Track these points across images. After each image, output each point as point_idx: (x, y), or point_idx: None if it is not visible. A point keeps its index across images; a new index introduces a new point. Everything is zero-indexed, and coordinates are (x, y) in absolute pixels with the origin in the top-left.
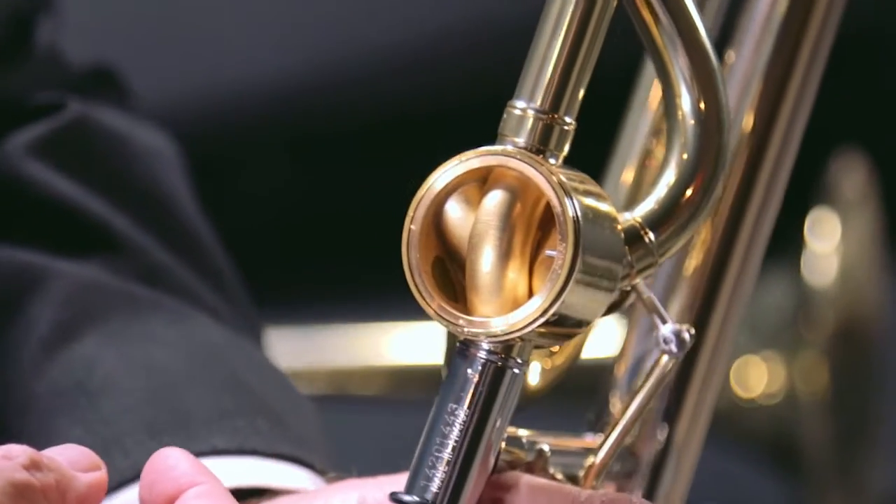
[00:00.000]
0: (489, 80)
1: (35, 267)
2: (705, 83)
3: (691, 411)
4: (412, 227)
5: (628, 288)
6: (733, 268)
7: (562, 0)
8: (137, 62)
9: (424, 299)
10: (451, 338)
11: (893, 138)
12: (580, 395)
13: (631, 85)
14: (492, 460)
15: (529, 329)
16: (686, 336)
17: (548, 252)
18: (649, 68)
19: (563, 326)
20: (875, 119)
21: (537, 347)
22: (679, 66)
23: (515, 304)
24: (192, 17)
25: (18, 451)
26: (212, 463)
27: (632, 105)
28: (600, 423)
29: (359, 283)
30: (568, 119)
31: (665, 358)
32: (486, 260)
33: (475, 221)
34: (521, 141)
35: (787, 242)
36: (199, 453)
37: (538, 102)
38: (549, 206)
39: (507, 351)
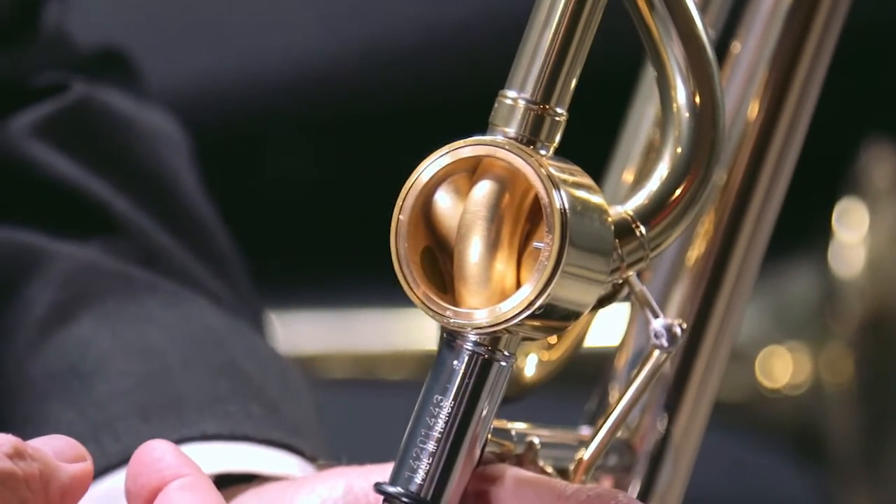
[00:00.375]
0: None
1: (34, 248)
2: (701, 76)
3: (691, 405)
4: (401, 216)
5: (620, 281)
6: (736, 259)
7: None
8: (160, 47)
9: (411, 289)
10: (443, 328)
11: None
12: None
13: (636, 74)
14: (477, 452)
15: (515, 321)
16: (678, 330)
17: (535, 244)
18: None
19: (551, 319)
20: None
21: (526, 340)
22: (675, 59)
23: (503, 296)
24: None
25: (2, 440)
26: (202, 447)
27: (636, 95)
28: (598, 415)
29: (389, 267)
30: (559, 110)
31: (657, 352)
32: (473, 250)
33: (463, 211)
34: (511, 131)
35: (814, 232)
36: (189, 438)
37: (529, 92)
38: (537, 198)
39: (495, 343)
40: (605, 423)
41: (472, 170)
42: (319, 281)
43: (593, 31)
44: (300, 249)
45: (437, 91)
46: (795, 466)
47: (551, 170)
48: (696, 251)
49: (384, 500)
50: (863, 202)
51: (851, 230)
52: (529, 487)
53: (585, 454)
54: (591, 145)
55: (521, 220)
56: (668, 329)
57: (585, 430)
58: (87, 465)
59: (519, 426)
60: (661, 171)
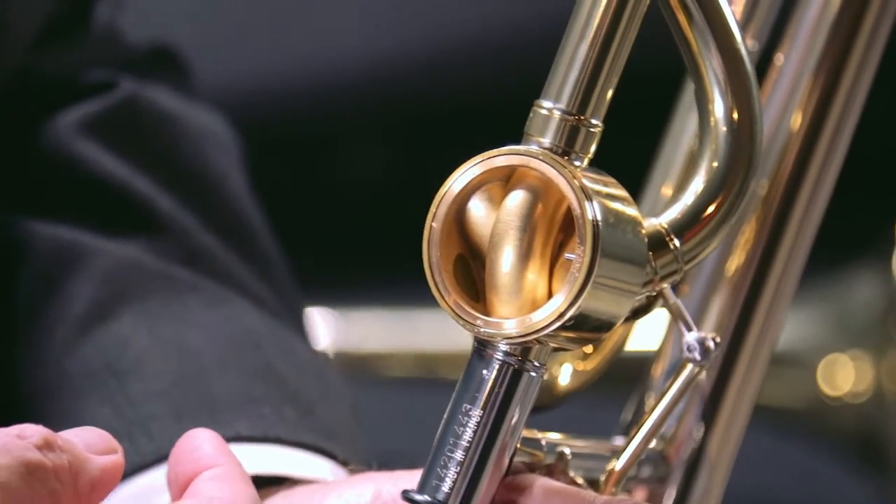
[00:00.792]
0: None
1: (77, 245)
2: (739, 91)
3: (728, 416)
4: (434, 224)
5: (654, 293)
6: (776, 270)
7: (591, 0)
8: (232, 47)
9: (442, 297)
10: (475, 337)
11: None
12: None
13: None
14: (506, 462)
15: (546, 332)
16: (711, 344)
17: (567, 255)
18: None
19: (583, 330)
20: None
21: (557, 350)
22: (713, 72)
23: (534, 306)
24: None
25: (32, 431)
26: (234, 448)
27: (678, 107)
28: (632, 425)
29: None
30: (595, 121)
31: (690, 365)
32: (505, 260)
33: (496, 221)
34: (546, 141)
35: (877, 240)
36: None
37: (565, 103)
38: (570, 209)
39: (525, 353)
40: (636, 434)
41: (507, 179)
42: (382, 280)
43: (630, 42)
44: (363, 248)
45: (508, 90)
46: (857, 474)
47: (585, 181)
48: (736, 261)
49: None
50: None
51: None
52: (558, 497)
53: (617, 465)
54: (633, 155)
55: (553, 230)
56: (701, 343)
57: (619, 441)
58: (118, 458)
59: (552, 436)
60: (697, 184)
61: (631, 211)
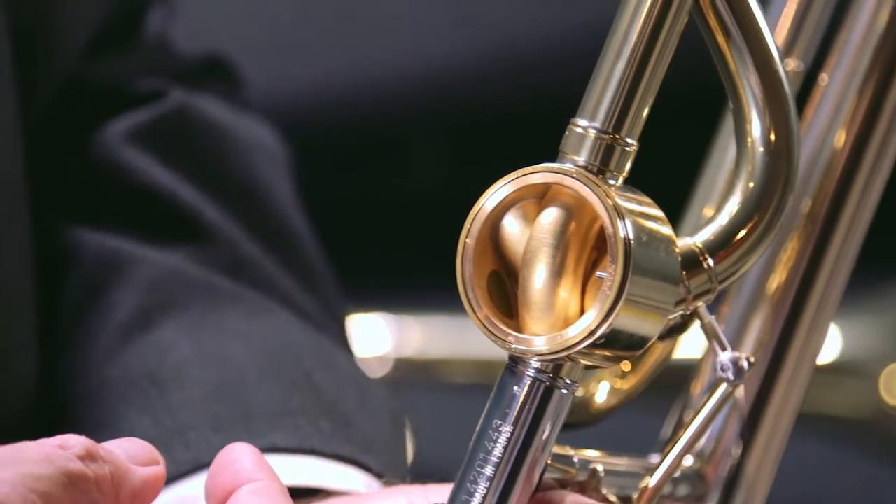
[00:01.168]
0: None
1: (121, 253)
2: (777, 112)
3: (766, 435)
4: (467, 240)
5: (689, 312)
6: (818, 288)
7: (629, 20)
8: (299, 52)
9: (474, 312)
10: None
11: None
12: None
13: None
14: (536, 478)
15: (577, 349)
16: (744, 364)
17: (598, 273)
18: None
19: (615, 348)
20: None
21: (590, 368)
22: (751, 92)
23: (566, 324)
24: (355, 6)
25: (75, 442)
26: (270, 459)
27: (720, 129)
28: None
29: None
30: (630, 140)
31: (723, 385)
32: (538, 277)
33: (529, 238)
34: (580, 160)
35: None
36: (259, 449)
37: (600, 122)
38: (603, 227)
39: (557, 370)
40: (670, 451)
41: (541, 196)
42: (444, 286)
43: (667, 61)
44: (425, 254)
45: (570, 98)
46: None
47: (618, 200)
48: (777, 279)
49: None
50: None
51: None
52: None
53: (650, 482)
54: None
55: (587, 248)
56: (735, 362)
57: (654, 458)
58: (160, 469)
59: (588, 453)
60: (733, 204)
61: (665, 230)
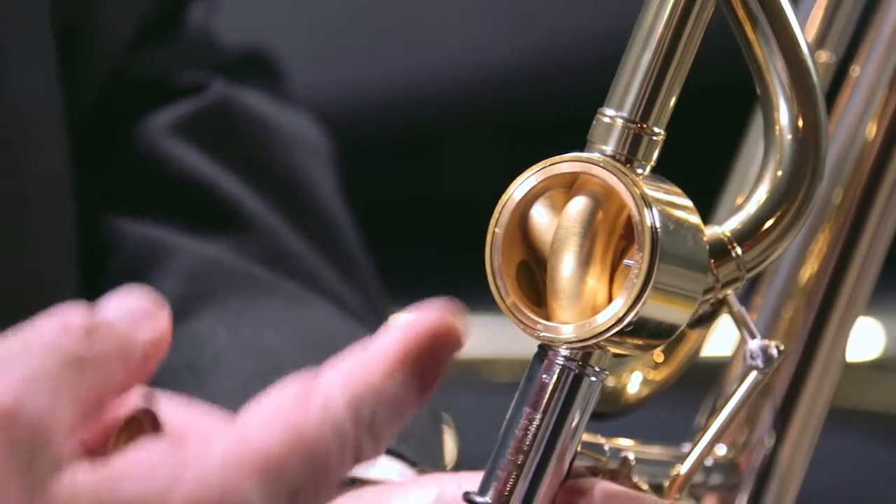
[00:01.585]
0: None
1: (162, 243)
2: (805, 100)
3: (799, 425)
4: (496, 230)
5: (717, 300)
6: (850, 278)
7: (656, 8)
8: (337, 51)
9: (502, 299)
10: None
11: None
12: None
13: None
14: (566, 466)
15: (605, 336)
16: (774, 352)
17: (626, 261)
18: None
19: (643, 336)
20: None
21: (618, 356)
22: (778, 80)
23: (594, 312)
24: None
25: (75, 319)
26: None
27: (753, 120)
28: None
29: None
30: (657, 129)
31: (753, 373)
32: (566, 265)
33: (558, 227)
34: (608, 149)
35: None
36: None
37: (627, 111)
38: (630, 216)
39: (586, 358)
40: (701, 439)
41: (569, 186)
42: (482, 285)
43: (694, 50)
44: (471, 253)
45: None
46: None
47: (645, 189)
48: (810, 270)
49: None
50: None
51: None
52: (618, 501)
53: (681, 470)
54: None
55: (615, 237)
56: (764, 350)
57: (686, 447)
58: (164, 321)
59: (620, 442)
60: (761, 193)
61: (692, 219)
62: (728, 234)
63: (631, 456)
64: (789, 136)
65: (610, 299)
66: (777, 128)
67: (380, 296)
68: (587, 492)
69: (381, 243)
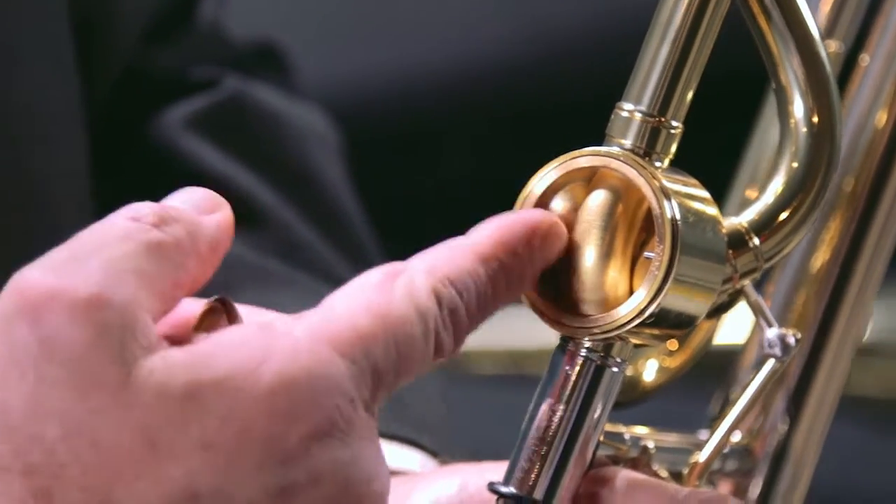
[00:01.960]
0: None
1: None
2: (819, 92)
3: (813, 411)
4: None
5: (735, 290)
6: (861, 266)
7: (673, 3)
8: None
9: (525, 295)
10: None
11: None
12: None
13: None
14: (589, 455)
15: (626, 328)
16: (791, 340)
17: (646, 254)
18: None
19: (664, 327)
20: None
21: (639, 347)
22: (793, 73)
23: (616, 304)
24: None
25: (146, 210)
26: None
27: (763, 111)
28: (717, 419)
29: None
30: (675, 123)
31: (770, 361)
32: (587, 258)
33: (578, 220)
34: (627, 143)
35: None
36: None
37: (645, 105)
38: (650, 209)
39: (608, 349)
40: (719, 427)
41: (588, 179)
42: None
43: (711, 44)
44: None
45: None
46: None
47: (664, 181)
48: (822, 258)
49: (497, 500)
50: None
51: None
52: (641, 490)
53: (700, 458)
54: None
55: (635, 229)
56: (782, 339)
57: (703, 435)
58: (228, 213)
59: (638, 430)
60: (777, 184)
61: (711, 210)
62: (745, 225)
63: (651, 444)
64: (804, 129)
65: (631, 291)
66: (792, 121)
67: None
68: (609, 480)
69: (383, 237)
